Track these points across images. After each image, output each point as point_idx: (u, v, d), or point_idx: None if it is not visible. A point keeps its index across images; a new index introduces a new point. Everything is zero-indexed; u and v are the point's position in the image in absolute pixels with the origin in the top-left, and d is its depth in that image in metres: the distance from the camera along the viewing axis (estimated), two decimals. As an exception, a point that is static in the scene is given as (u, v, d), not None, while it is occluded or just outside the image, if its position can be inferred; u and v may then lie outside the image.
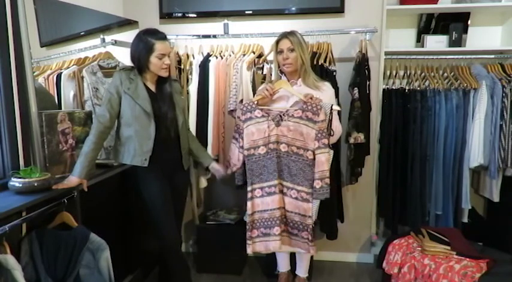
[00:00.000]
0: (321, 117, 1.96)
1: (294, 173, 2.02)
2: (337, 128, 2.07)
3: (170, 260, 2.08)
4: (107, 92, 1.92)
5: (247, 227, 2.10)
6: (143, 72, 1.95)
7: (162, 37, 1.89)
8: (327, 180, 1.99)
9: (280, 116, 2.01)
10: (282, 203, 2.06)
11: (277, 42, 2.07)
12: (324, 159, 1.97)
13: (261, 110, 2.03)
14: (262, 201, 2.08)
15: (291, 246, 2.13)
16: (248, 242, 2.11)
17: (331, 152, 2.04)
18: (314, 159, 1.99)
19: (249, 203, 2.09)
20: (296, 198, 2.04)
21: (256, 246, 2.11)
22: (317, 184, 1.99)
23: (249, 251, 2.12)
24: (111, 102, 1.89)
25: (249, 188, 2.09)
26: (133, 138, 1.92)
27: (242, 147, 2.08)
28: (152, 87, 1.99)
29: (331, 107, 1.99)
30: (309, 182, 2.01)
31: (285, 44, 2.03)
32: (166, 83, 2.03)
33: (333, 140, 2.08)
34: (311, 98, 1.96)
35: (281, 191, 2.06)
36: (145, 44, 1.86)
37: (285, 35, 2.04)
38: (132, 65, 1.96)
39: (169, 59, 1.92)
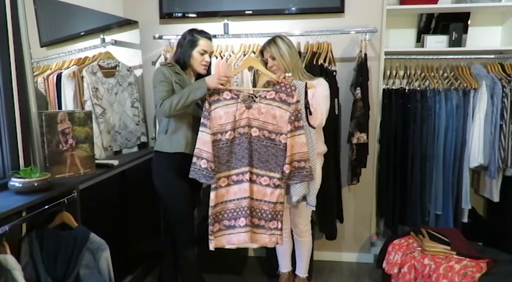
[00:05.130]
0: (295, 98, 1.85)
1: (265, 159, 1.90)
2: (318, 108, 1.98)
3: (185, 256, 2.10)
4: (160, 84, 1.91)
5: (210, 220, 1.93)
6: (185, 69, 2.05)
7: (207, 36, 2.04)
8: (295, 164, 1.87)
9: (251, 97, 1.90)
10: (250, 192, 1.91)
11: (261, 52, 2.10)
12: (292, 143, 1.86)
13: (230, 91, 1.90)
14: (227, 191, 1.93)
15: (253, 241, 1.95)
16: (210, 237, 1.94)
17: (312, 130, 1.93)
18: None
19: (212, 194, 1.91)
20: (267, 185, 1.91)
21: (218, 240, 1.95)
22: (286, 169, 1.87)
23: (212, 247, 1.95)
24: (170, 92, 1.91)
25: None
26: (182, 128, 1.97)
27: None
28: None
29: (305, 84, 1.90)
30: (282, 167, 1.88)
31: (267, 54, 2.07)
32: None
33: (314, 121, 1.97)
34: (284, 78, 1.90)
35: (250, 179, 1.91)
36: (190, 39, 2.01)
37: (265, 46, 2.07)
38: (170, 62, 2.06)
39: (209, 59, 2.05)
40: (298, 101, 1.87)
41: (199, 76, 2.10)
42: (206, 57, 2.03)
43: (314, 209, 2.05)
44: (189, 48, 2.00)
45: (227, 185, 1.93)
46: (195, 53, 2.00)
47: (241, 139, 1.90)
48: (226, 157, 1.91)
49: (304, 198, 2.00)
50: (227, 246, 1.98)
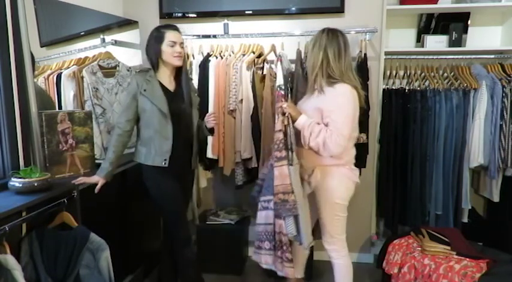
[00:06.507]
0: (277, 126, 1.85)
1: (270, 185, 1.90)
2: (310, 139, 1.82)
3: (184, 255, 2.10)
4: (126, 98, 1.99)
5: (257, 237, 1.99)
6: (158, 67, 2.01)
7: (173, 27, 1.99)
8: (281, 196, 1.79)
9: None
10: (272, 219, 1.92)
11: None
12: (276, 174, 1.80)
13: None
14: (260, 215, 1.96)
15: (276, 267, 1.95)
16: (258, 251, 1.99)
17: (292, 166, 1.80)
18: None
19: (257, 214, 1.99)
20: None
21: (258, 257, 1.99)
22: (273, 200, 1.84)
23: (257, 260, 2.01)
24: (130, 109, 1.96)
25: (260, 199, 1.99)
26: (153, 139, 1.97)
27: None
28: (170, 86, 2.03)
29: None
30: None
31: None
32: (185, 80, 2.07)
33: (321, 151, 1.84)
34: (281, 107, 1.86)
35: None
36: (156, 36, 1.98)
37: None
38: (148, 67, 2.03)
39: (181, 49, 1.98)
40: (279, 130, 1.84)
41: (179, 71, 2.04)
42: (177, 48, 1.96)
43: (306, 251, 1.93)
44: (157, 44, 1.96)
45: (260, 209, 1.96)
46: (164, 46, 1.95)
47: (270, 167, 1.91)
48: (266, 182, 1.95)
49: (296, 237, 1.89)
50: (264, 266, 1.98)
